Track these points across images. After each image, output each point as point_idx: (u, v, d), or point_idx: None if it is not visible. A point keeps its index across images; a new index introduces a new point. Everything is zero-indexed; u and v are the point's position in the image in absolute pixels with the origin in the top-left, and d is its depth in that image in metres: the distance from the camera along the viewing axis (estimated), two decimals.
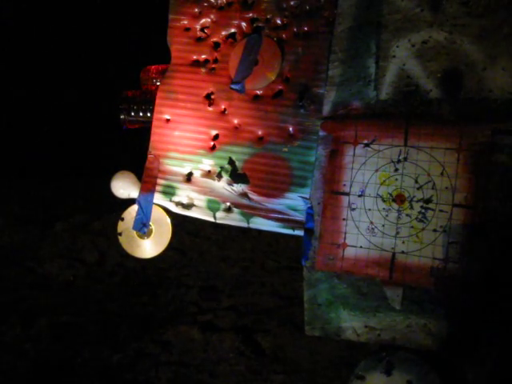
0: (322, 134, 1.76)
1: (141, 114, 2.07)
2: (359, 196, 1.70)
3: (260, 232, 4.42)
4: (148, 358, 2.98)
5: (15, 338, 3.16)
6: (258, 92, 1.88)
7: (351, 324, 1.79)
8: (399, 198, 1.65)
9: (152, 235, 2.04)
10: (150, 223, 2.01)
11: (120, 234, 2.04)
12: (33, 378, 2.81)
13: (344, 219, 1.71)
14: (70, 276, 4.04)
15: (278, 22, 1.86)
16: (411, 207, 1.63)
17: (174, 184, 2.01)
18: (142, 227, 1.99)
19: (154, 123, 2.01)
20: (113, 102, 2.13)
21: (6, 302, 3.59)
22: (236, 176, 1.90)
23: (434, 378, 1.69)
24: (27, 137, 6.10)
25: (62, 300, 3.68)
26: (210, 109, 1.95)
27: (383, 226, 1.66)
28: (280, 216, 1.87)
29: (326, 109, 1.77)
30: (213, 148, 1.94)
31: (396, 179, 1.65)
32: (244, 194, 1.89)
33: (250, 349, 3.01)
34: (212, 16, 1.94)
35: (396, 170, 1.65)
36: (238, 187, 1.90)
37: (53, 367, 2.90)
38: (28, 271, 4.09)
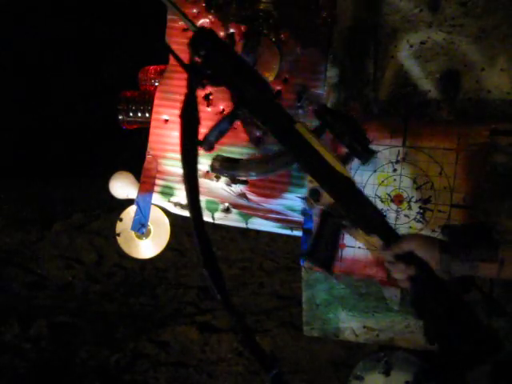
0: None
1: (139, 115, 2.05)
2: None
3: (258, 232, 4.43)
4: (146, 359, 2.98)
5: (14, 338, 3.15)
6: None
7: (350, 324, 1.79)
8: (397, 199, 1.65)
9: (150, 236, 2.03)
10: (149, 223, 2.00)
11: (118, 235, 2.02)
12: (31, 378, 2.81)
13: None
14: (68, 276, 4.03)
15: (276, 22, 1.86)
16: (410, 208, 1.63)
17: (173, 184, 2.00)
18: (141, 228, 1.97)
19: (153, 124, 2.01)
20: (111, 102, 2.12)
21: (4, 302, 3.59)
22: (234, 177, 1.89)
23: (432, 379, 1.69)
24: (26, 137, 6.09)
25: (61, 300, 3.68)
26: (209, 109, 1.94)
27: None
28: (278, 216, 1.86)
29: None
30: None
31: (394, 179, 1.65)
32: (242, 195, 1.89)
33: (248, 349, 3.01)
34: (210, 17, 1.94)
35: (394, 170, 1.65)
36: (237, 188, 1.89)
37: (51, 367, 2.90)
38: (26, 271, 4.09)
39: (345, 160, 1.36)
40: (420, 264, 1.22)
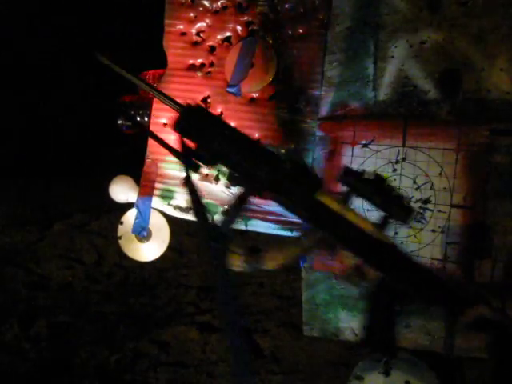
0: (320, 134, 1.76)
1: (138, 119, 2.06)
2: (357, 196, 1.69)
3: (258, 233, 4.42)
4: (146, 359, 2.97)
5: (14, 338, 3.15)
6: (254, 95, 1.88)
7: (349, 324, 1.79)
8: None
9: (151, 239, 2.05)
10: (149, 227, 2.02)
11: (120, 238, 2.05)
12: (31, 378, 2.81)
13: None
14: (68, 276, 4.03)
15: (273, 24, 1.86)
16: None
17: (172, 188, 2.01)
18: (141, 231, 2.00)
19: (152, 128, 2.01)
20: (113, 105, 2.13)
21: (4, 302, 3.58)
22: (233, 179, 1.88)
23: (432, 379, 1.69)
24: (26, 137, 6.08)
25: (61, 300, 3.67)
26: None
27: None
28: (278, 218, 1.86)
29: (325, 109, 1.77)
30: None
31: (394, 179, 1.65)
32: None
33: (248, 349, 3.00)
34: (207, 20, 1.94)
35: (394, 170, 1.65)
36: (236, 190, 1.89)
37: (51, 367, 2.90)
38: (26, 271, 4.08)
39: (381, 224, 1.17)
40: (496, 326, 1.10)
